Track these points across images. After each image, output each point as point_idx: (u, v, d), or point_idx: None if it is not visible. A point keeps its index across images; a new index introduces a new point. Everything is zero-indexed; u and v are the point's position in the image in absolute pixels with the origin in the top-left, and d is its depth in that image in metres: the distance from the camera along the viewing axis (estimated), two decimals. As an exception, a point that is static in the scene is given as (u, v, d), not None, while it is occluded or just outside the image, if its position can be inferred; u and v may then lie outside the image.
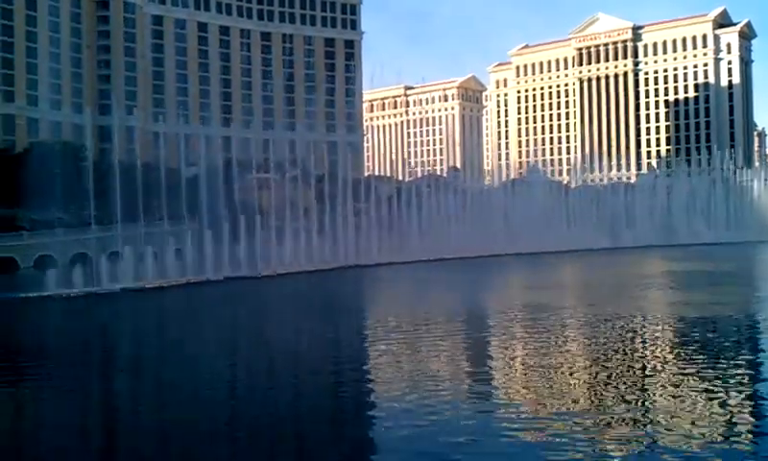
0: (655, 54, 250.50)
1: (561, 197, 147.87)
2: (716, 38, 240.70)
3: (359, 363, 30.01)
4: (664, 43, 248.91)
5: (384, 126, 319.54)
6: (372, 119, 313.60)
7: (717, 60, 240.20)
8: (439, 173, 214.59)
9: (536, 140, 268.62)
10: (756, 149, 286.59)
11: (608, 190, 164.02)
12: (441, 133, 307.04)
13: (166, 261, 74.05)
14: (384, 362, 29.49)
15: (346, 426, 20.94)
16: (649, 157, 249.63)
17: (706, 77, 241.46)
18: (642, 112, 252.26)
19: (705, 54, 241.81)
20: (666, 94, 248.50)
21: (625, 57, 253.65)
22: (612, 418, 19.41)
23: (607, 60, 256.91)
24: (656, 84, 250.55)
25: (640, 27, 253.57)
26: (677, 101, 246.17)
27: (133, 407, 23.80)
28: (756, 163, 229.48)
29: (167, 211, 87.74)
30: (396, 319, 42.99)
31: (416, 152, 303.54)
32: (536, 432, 18.36)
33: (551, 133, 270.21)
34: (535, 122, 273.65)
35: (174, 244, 77.42)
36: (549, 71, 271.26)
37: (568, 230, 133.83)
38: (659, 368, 25.68)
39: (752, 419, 19.71)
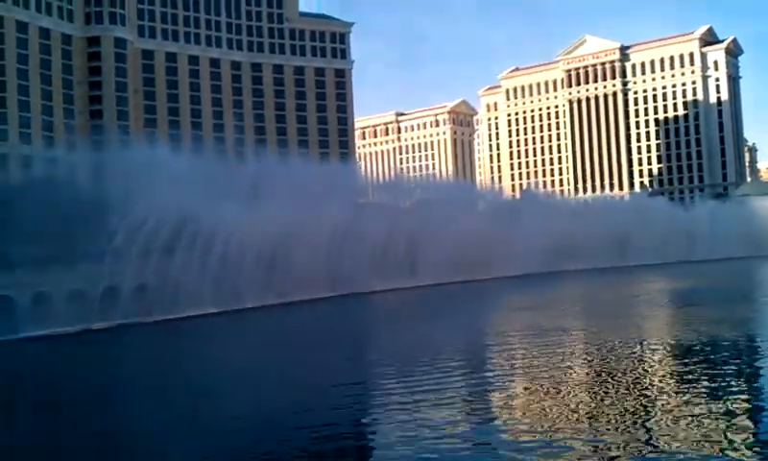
0: (643, 73, 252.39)
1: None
2: (703, 56, 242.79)
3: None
4: (652, 62, 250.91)
5: (377, 153, 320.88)
6: (364, 146, 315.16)
7: (705, 78, 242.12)
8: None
9: (527, 162, 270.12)
10: (747, 164, 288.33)
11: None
12: (433, 158, 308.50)
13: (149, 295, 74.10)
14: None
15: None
16: (641, 175, 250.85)
17: (694, 95, 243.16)
18: (633, 132, 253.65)
19: (692, 72, 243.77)
20: (656, 113, 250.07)
21: (613, 77, 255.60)
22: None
23: (596, 80, 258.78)
24: (645, 103, 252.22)
25: (628, 47, 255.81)
26: (667, 119, 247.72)
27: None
28: (749, 178, 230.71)
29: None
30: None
31: (408, 178, 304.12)
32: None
33: (542, 154, 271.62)
34: (526, 144, 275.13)
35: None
36: (539, 93, 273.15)
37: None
38: None
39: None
